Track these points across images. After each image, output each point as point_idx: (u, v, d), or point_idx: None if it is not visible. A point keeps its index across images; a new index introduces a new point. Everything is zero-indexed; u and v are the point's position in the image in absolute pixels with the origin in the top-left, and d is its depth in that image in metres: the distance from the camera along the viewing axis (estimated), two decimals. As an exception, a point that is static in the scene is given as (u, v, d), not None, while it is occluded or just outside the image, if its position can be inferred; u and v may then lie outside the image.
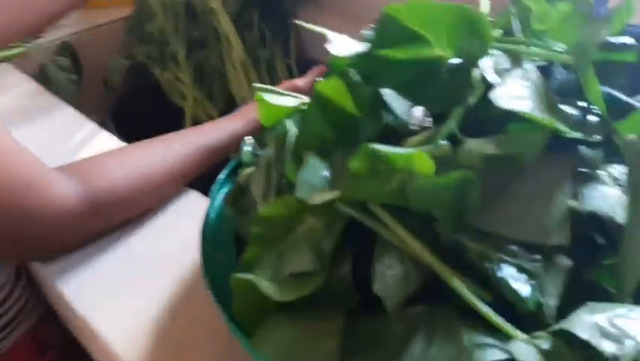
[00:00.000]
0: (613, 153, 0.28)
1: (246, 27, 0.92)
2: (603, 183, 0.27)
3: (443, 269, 0.26)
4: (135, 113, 0.86)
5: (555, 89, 0.32)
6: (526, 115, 0.25)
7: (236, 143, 0.52)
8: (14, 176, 0.39)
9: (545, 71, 0.32)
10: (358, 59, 0.30)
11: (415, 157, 0.24)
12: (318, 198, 0.26)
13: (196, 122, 0.88)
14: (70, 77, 0.93)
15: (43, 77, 0.93)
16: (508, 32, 0.34)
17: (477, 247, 0.27)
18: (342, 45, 0.31)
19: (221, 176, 0.43)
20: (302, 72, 0.96)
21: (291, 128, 0.35)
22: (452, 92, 0.29)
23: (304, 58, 1.00)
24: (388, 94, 0.31)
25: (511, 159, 0.25)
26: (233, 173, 0.45)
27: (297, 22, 0.45)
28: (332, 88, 0.33)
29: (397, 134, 0.32)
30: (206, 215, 0.39)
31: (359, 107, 0.33)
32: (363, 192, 0.27)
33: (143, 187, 0.47)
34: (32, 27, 0.73)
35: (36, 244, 0.43)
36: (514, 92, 0.27)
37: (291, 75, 0.95)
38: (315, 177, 0.31)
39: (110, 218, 0.47)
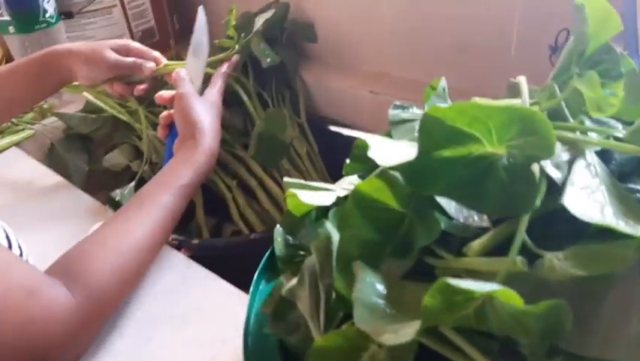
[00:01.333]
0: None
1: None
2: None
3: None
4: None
5: (616, 170, 0.30)
6: (613, 228, 0.22)
7: (202, 178, 0.54)
8: (14, 285, 0.39)
9: (602, 154, 0.30)
10: (407, 166, 0.28)
11: (499, 294, 0.21)
12: (393, 339, 0.23)
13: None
14: (80, 157, 0.92)
15: (52, 159, 0.92)
16: (551, 116, 0.31)
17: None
18: (385, 151, 0.29)
19: (257, 276, 0.41)
20: (314, 131, 0.95)
21: (333, 233, 0.33)
22: (511, 194, 0.26)
23: (315, 116, 0.99)
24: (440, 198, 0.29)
25: (599, 278, 0.22)
26: (268, 267, 0.43)
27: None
28: (373, 188, 0.31)
29: (454, 238, 0.29)
30: (246, 324, 0.37)
31: (403, 206, 0.31)
32: (437, 320, 0.24)
33: (131, 267, 0.47)
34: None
35: (40, 353, 0.41)
36: (588, 196, 0.24)
37: (304, 135, 0.93)
38: (370, 294, 0.28)
39: (107, 307, 0.46)
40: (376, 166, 0.44)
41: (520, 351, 0.26)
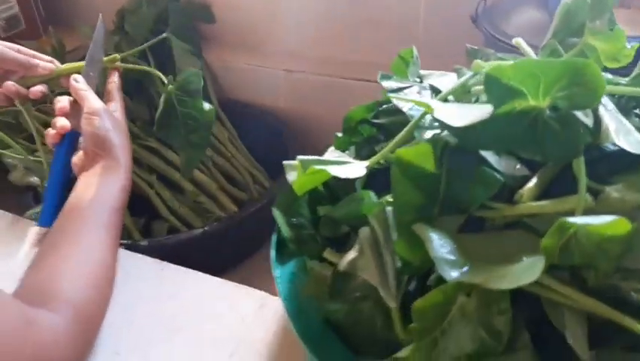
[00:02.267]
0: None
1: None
2: None
3: (615, 314, 0.27)
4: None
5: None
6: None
7: (126, 196, 0.51)
8: (13, 317, 0.35)
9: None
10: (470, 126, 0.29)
11: (614, 225, 0.24)
12: (514, 282, 0.25)
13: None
14: None
15: None
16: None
17: (633, 284, 0.28)
18: (454, 114, 0.30)
19: (274, 262, 0.40)
20: (227, 113, 0.92)
21: (374, 200, 0.34)
22: (563, 140, 0.30)
23: (225, 99, 0.96)
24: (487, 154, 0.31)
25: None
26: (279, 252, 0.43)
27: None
28: (419, 154, 0.32)
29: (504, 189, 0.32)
30: (289, 310, 0.36)
31: (443, 167, 0.33)
32: (554, 259, 0.26)
33: (102, 278, 0.44)
34: None
35: None
36: (629, 135, 0.28)
37: (220, 120, 0.90)
38: (444, 251, 0.30)
39: (93, 321, 0.43)
40: (371, 137, 0.46)
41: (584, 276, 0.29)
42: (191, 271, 0.50)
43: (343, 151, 0.47)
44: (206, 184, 0.81)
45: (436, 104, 0.31)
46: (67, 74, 0.59)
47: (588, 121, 0.31)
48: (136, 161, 0.80)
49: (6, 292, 0.36)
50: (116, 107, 0.59)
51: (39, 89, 0.58)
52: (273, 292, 0.48)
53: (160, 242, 0.68)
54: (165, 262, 0.51)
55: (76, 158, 0.52)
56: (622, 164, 0.30)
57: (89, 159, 0.50)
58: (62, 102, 0.56)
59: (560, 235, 0.25)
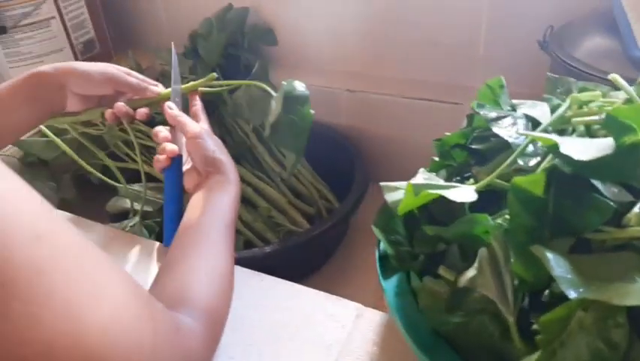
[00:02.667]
0: None
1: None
2: None
3: None
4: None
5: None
6: None
7: (237, 208, 0.54)
8: (164, 323, 0.37)
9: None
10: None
11: None
12: (633, 299, 0.28)
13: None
14: (48, 186, 0.85)
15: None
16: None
17: None
18: (579, 148, 0.33)
19: (382, 278, 0.44)
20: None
21: (491, 222, 0.37)
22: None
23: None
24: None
25: None
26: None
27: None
28: (535, 182, 0.36)
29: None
30: (401, 321, 0.40)
31: (556, 194, 0.36)
32: None
33: (227, 288, 0.47)
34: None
35: None
36: None
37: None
38: (564, 270, 0.33)
39: (221, 329, 0.46)
40: (463, 162, 0.49)
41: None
42: (287, 282, 0.54)
43: (436, 174, 0.50)
44: (277, 199, 0.86)
45: (559, 139, 0.34)
46: (168, 98, 0.64)
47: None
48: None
49: (156, 299, 0.40)
50: (207, 126, 0.64)
51: (144, 111, 0.64)
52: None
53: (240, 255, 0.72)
54: (263, 274, 0.55)
55: (189, 177, 0.57)
56: None
57: (202, 177, 0.55)
58: (164, 132, 0.61)
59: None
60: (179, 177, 0.57)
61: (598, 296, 0.30)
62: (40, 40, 0.95)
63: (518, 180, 0.36)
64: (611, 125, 0.32)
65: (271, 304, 0.52)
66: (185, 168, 0.60)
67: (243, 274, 0.56)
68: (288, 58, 1.04)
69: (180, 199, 0.56)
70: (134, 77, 0.66)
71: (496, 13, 0.82)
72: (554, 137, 0.35)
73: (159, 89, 0.66)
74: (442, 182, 0.47)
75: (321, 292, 0.53)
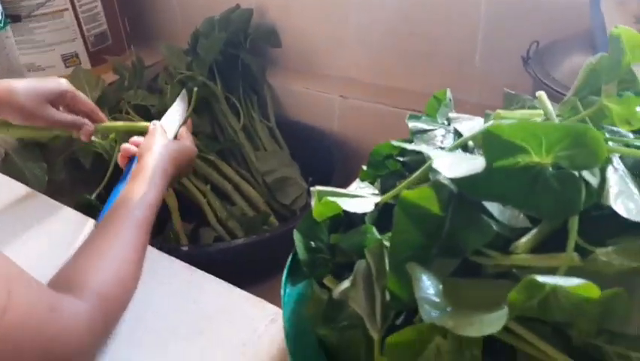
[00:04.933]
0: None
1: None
2: None
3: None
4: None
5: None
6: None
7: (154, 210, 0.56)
8: (37, 302, 0.38)
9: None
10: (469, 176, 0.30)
11: (583, 288, 0.24)
12: (479, 330, 0.26)
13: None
14: (38, 166, 0.88)
15: (8, 168, 0.87)
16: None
17: (616, 349, 0.28)
18: (450, 164, 0.31)
19: (285, 280, 0.43)
20: (283, 133, 0.97)
21: (376, 235, 0.35)
22: (561, 198, 0.30)
23: (283, 119, 1.00)
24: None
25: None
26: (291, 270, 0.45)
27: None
28: (422, 197, 0.33)
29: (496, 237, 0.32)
30: (287, 328, 0.38)
31: (446, 211, 0.34)
32: (519, 312, 0.27)
33: (129, 277, 0.48)
34: None
35: None
36: (629, 199, 0.28)
37: (275, 138, 0.94)
38: (430, 292, 0.31)
39: (114, 317, 0.47)
40: (396, 172, 0.47)
41: (568, 333, 0.29)
42: (216, 279, 0.54)
43: (372, 183, 0.49)
44: (254, 198, 0.85)
45: (436, 152, 0.32)
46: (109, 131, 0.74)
47: (594, 181, 0.31)
48: (193, 171, 0.86)
49: (34, 278, 0.40)
50: (180, 145, 0.67)
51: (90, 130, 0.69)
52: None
53: (202, 250, 0.72)
54: (194, 268, 0.55)
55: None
56: (620, 227, 0.30)
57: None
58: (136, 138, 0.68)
59: (529, 292, 0.25)
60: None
61: (444, 322, 0.28)
62: (52, 30, 0.99)
63: (406, 193, 0.34)
64: (491, 144, 0.30)
65: (192, 297, 0.52)
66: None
67: (175, 264, 0.56)
68: (288, 61, 1.04)
69: None
70: (82, 104, 0.69)
71: (491, 26, 0.79)
72: (435, 151, 0.33)
73: (90, 129, 0.69)
74: (367, 191, 0.45)
75: (246, 293, 0.53)
